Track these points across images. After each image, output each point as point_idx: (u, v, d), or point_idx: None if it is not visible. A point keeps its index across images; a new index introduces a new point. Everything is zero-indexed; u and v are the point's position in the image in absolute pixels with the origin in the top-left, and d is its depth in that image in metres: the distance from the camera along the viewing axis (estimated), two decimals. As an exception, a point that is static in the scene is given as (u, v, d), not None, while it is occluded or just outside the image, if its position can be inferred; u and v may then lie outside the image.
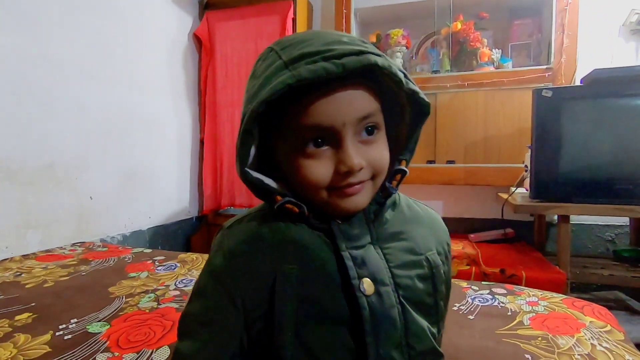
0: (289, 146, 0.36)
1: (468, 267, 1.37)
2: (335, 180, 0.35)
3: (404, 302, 0.38)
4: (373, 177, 0.37)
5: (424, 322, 0.39)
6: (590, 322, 0.72)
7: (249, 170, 0.37)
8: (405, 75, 0.36)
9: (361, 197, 0.37)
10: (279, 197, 0.37)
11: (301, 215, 0.38)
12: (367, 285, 0.36)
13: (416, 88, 0.37)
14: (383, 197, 0.40)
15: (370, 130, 0.36)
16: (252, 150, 0.37)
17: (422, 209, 0.46)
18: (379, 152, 0.37)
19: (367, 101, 0.35)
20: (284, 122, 0.35)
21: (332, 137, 0.35)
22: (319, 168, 0.35)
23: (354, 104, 0.34)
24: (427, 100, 0.38)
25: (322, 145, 0.35)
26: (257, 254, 0.38)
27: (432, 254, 0.42)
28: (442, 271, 0.42)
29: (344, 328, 0.36)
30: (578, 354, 0.60)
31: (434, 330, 0.41)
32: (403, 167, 0.40)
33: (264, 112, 0.33)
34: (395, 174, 0.40)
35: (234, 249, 0.39)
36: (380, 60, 0.33)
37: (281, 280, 0.36)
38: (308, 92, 0.33)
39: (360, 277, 0.36)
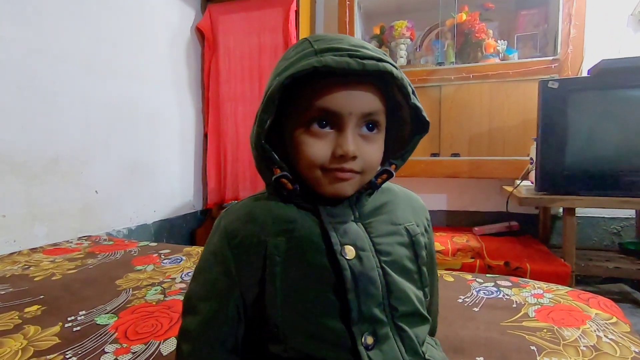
0: (296, 121, 0.39)
1: (472, 259, 1.37)
2: (329, 162, 0.39)
3: (385, 266, 0.41)
4: (362, 172, 0.41)
5: (406, 285, 0.43)
6: (596, 314, 0.72)
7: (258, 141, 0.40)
8: (413, 92, 0.40)
9: (347, 186, 0.40)
10: (277, 170, 0.41)
11: (292, 194, 0.42)
12: (347, 250, 0.40)
13: (419, 105, 0.41)
14: (365, 188, 0.44)
15: (371, 127, 0.40)
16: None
17: (400, 190, 0.50)
18: (374, 150, 0.41)
19: (373, 100, 0.39)
20: (297, 102, 0.39)
21: (336, 122, 0.39)
22: (319, 146, 0.39)
23: (362, 99, 0.38)
24: (427, 119, 0.42)
25: (326, 127, 0.39)
26: (250, 230, 0.41)
27: (411, 225, 0.46)
28: (421, 239, 0.46)
29: (329, 289, 0.39)
30: (584, 346, 0.60)
31: (419, 293, 0.44)
32: (391, 169, 0.44)
33: (287, 86, 0.37)
34: (382, 173, 0.44)
35: (229, 226, 0.43)
36: (395, 71, 0.38)
37: (271, 249, 0.40)
38: (327, 79, 0.37)
39: (342, 244, 0.40)
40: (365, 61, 0.36)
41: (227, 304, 0.41)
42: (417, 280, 0.45)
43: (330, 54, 0.36)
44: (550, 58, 1.57)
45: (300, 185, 0.41)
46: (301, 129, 0.39)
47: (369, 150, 0.40)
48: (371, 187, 0.44)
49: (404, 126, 0.44)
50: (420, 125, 0.43)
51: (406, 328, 0.41)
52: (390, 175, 0.44)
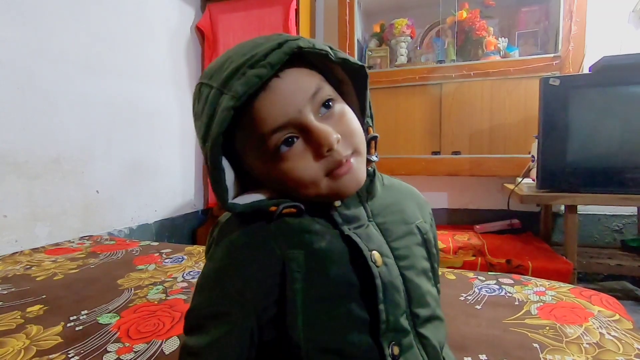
0: (261, 157, 0.36)
1: (474, 257, 1.37)
2: (325, 167, 0.35)
3: (404, 271, 0.40)
4: (355, 152, 0.37)
5: (424, 287, 0.41)
6: (599, 311, 0.71)
7: (234, 202, 0.37)
8: (331, 48, 0.37)
9: (356, 174, 0.37)
10: (273, 208, 0.37)
11: (299, 212, 0.38)
12: (377, 256, 0.37)
13: (345, 56, 0.37)
14: (369, 167, 0.41)
15: (328, 104, 0.36)
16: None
17: (402, 185, 0.49)
18: (347, 121, 0.37)
19: (307, 80, 0.35)
20: (245, 136, 0.36)
21: (296, 129, 0.35)
22: (304, 164, 0.35)
23: (297, 88, 0.34)
24: (359, 63, 0.39)
25: (293, 141, 0.35)
26: (261, 243, 0.37)
27: (420, 222, 0.45)
28: (431, 236, 0.45)
29: (354, 302, 0.36)
30: (586, 343, 0.60)
31: (434, 291, 0.44)
32: (372, 133, 0.42)
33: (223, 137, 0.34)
34: (369, 143, 0.41)
35: (235, 241, 0.38)
36: (301, 42, 0.34)
37: (289, 264, 0.36)
38: (251, 100, 0.33)
39: (370, 250, 0.37)
40: (268, 59, 0.32)
41: (238, 327, 0.37)
42: (431, 278, 0.44)
43: (234, 81, 0.33)
44: (552, 55, 1.57)
45: (303, 200, 0.37)
46: (273, 162, 0.35)
47: (343, 125, 0.36)
48: (370, 161, 0.41)
49: (346, 87, 0.41)
50: (357, 76, 0.40)
51: (427, 335, 0.39)
52: (376, 139, 0.42)
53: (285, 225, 0.38)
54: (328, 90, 0.37)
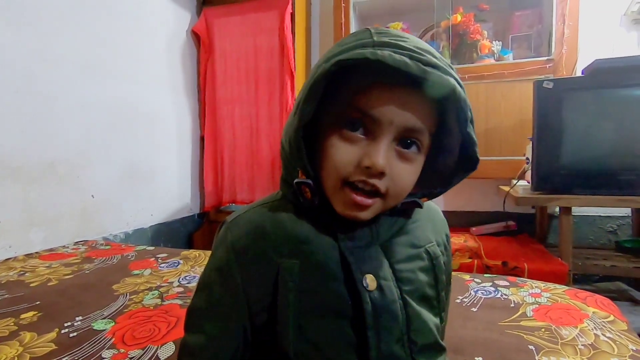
0: (330, 120, 0.35)
1: (470, 260, 1.37)
2: (353, 172, 0.34)
3: (406, 296, 0.38)
4: (386, 196, 0.35)
5: (427, 315, 0.40)
6: (593, 312, 0.72)
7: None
8: (471, 120, 0.35)
9: (365, 214, 0.36)
10: (302, 175, 0.36)
11: (309, 205, 0.37)
12: (369, 280, 0.36)
13: (475, 137, 0.36)
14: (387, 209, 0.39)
15: (409, 144, 0.35)
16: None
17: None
18: (407, 172, 0.35)
19: (421, 117, 0.34)
20: (337, 97, 0.34)
21: (371, 129, 0.34)
22: (347, 153, 0.34)
23: (409, 110, 0.33)
24: (478, 156, 0.37)
25: (357, 130, 0.34)
26: (260, 248, 0.38)
27: (432, 245, 0.42)
28: (442, 262, 0.43)
29: (346, 322, 0.36)
30: (582, 345, 0.60)
31: (437, 320, 0.42)
32: (420, 201, 0.40)
33: (332, 75, 0.33)
34: (410, 202, 0.39)
35: (237, 242, 0.39)
36: (458, 89, 0.33)
37: (283, 273, 0.36)
38: (377, 82, 0.33)
39: (363, 273, 0.36)
40: (427, 68, 0.31)
41: (233, 326, 0.38)
42: (436, 307, 0.42)
43: (389, 49, 0.31)
44: (545, 58, 1.58)
45: (320, 199, 0.37)
46: (333, 129, 0.35)
47: (401, 170, 0.35)
48: (390, 210, 0.39)
49: (446, 157, 0.39)
50: (465, 160, 0.37)
51: None
52: (417, 206, 0.40)
53: (285, 233, 0.38)
54: (423, 140, 0.35)
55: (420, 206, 0.40)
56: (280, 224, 0.38)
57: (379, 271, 0.37)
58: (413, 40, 0.34)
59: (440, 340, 0.41)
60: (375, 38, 0.33)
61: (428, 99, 0.34)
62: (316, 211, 0.38)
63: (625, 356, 0.57)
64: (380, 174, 0.33)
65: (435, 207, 0.47)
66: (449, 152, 0.38)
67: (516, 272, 1.27)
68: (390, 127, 0.33)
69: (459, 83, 0.33)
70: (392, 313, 0.37)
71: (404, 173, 0.35)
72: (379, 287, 0.36)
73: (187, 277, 0.95)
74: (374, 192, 0.34)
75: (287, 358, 0.36)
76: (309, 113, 0.34)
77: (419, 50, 0.32)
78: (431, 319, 0.40)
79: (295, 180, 0.36)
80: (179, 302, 0.80)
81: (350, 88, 0.34)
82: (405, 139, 0.34)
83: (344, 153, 0.34)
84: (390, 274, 0.38)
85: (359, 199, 0.34)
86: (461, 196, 1.93)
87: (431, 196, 0.41)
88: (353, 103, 0.33)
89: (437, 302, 0.42)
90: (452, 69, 0.34)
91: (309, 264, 0.37)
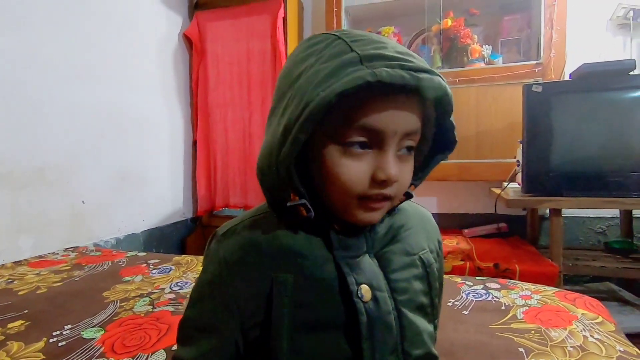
0: (330, 138, 0.34)
1: (462, 262, 1.38)
2: (368, 188, 0.34)
3: (401, 307, 0.38)
4: (393, 197, 0.36)
5: (421, 325, 0.40)
6: (582, 314, 0.73)
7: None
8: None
9: (378, 214, 0.36)
10: (295, 197, 0.35)
11: (302, 220, 0.37)
12: (364, 291, 0.36)
13: (454, 123, 0.37)
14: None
15: (409, 148, 0.36)
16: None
17: (412, 208, 0.46)
18: (408, 172, 0.37)
19: (417, 119, 0.35)
20: (334, 115, 0.32)
21: (377, 141, 0.33)
22: (357, 170, 0.33)
23: (408, 117, 0.34)
24: (456, 138, 0.38)
25: (366, 147, 0.34)
26: (253, 262, 0.37)
27: (425, 252, 0.42)
28: (435, 269, 0.43)
29: (340, 334, 0.36)
30: (570, 346, 0.61)
31: (431, 328, 0.42)
32: (411, 190, 0.41)
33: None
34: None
35: (230, 257, 0.38)
36: (449, 90, 0.34)
37: (277, 287, 0.36)
38: (370, 92, 0.32)
39: (358, 284, 0.36)
40: (420, 74, 0.31)
41: (225, 340, 0.38)
42: (430, 314, 0.42)
43: (380, 63, 0.31)
44: (534, 62, 1.60)
45: (315, 208, 0.36)
46: (336, 148, 0.33)
47: (403, 173, 0.36)
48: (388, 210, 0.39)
49: (423, 144, 0.39)
50: (442, 144, 0.39)
51: None
52: (409, 197, 0.41)
53: (279, 246, 0.37)
54: (416, 139, 0.36)
55: (412, 195, 0.41)
56: (273, 237, 0.38)
57: (374, 282, 0.37)
58: (390, 44, 0.33)
59: (434, 349, 0.41)
60: (358, 51, 0.32)
61: (418, 99, 0.34)
62: (310, 222, 0.37)
63: (613, 357, 0.58)
64: (393, 183, 0.34)
65: (427, 213, 0.47)
66: (426, 140, 0.39)
67: (508, 274, 1.28)
68: (395, 136, 0.34)
69: (442, 78, 0.34)
70: (387, 324, 0.37)
71: (406, 174, 0.36)
72: (374, 298, 0.36)
73: (179, 283, 0.94)
74: (385, 197, 0.35)
75: None
76: (301, 141, 0.32)
77: (403, 57, 0.32)
78: (425, 328, 0.41)
79: (289, 204, 0.35)
80: (170, 308, 0.79)
81: (349, 106, 0.32)
82: (403, 142, 0.35)
83: (354, 172, 0.33)
84: (385, 285, 0.38)
85: (374, 206, 0.35)
86: (454, 198, 1.94)
87: (416, 183, 0.42)
88: (354, 119, 0.32)
89: (431, 309, 0.42)
90: (430, 67, 0.34)
91: (304, 277, 0.36)
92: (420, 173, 0.41)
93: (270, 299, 0.36)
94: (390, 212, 0.41)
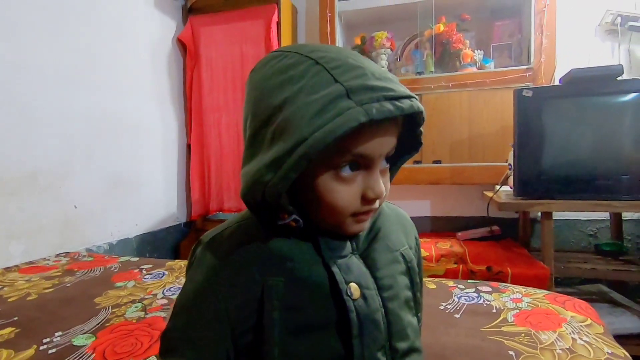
0: (322, 168, 0.35)
1: (456, 265, 1.39)
2: (360, 206, 0.36)
3: (387, 303, 0.40)
4: (378, 209, 0.39)
5: (406, 320, 0.41)
6: (572, 316, 0.74)
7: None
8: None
9: (367, 224, 0.39)
10: (285, 215, 0.36)
11: (290, 228, 0.37)
12: (353, 289, 0.37)
13: (422, 130, 0.40)
14: None
15: (387, 160, 0.38)
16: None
17: (389, 208, 0.48)
18: (388, 183, 0.39)
19: (395, 137, 0.37)
20: (326, 148, 0.33)
21: (365, 164, 0.36)
22: (349, 193, 0.35)
23: (391, 139, 0.36)
24: (422, 141, 0.41)
25: (355, 169, 0.36)
26: (242, 267, 0.37)
27: (405, 249, 0.45)
28: (415, 264, 0.45)
29: (331, 334, 0.37)
30: (559, 349, 0.62)
31: (415, 322, 0.44)
32: None
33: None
34: None
35: (217, 263, 0.38)
36: (422, 108, 0.36)
37: (268, 291, 0.36)
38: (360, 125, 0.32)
39: (347, 282, 0.37)
40: (402, 103, 0.33)
41: (213, 351, 0.37)
42: (413, 308, 0.44)
43: (366, 97, 0.32)
44: (525, 67, 1.63)
45: (303, 219, 0.37)
46: (328, 174, 0.35)
47: (386, 184, 0.38)
48: None
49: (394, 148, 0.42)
50: (409, 146, 0.42)
51: None
52: None
53: (268, 251, 0.38)
54: (393, 150, 0.38)
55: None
56: (261, 242, 0.38)
57: (362, 280, 0.38)
58: (369, 69, 0.34)
59: (418, 343, 0.43)
60: (343, 83, 0.32)
61: (399, 121, 0.37)
62: (297, 229, 0.38)
63: (601, 359, 0.59)
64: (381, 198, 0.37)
65: (404, 212, 0.50)
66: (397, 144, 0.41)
67: (500, 276, 1.29)
68: (380, 158, 0.36)
69: (416, 98, 0.35)
70: (376, 322, 0.38)
71: (387, 185, 0.38)
72: (363, 296, 0.37)
73: (172, 289, 0.94)
74: (374, 210, 0.38)
75: None
76: (293, 178, 0.33)
77: (385, 86, 0.33)
78: (410, 322, 0.42)
79: (280, 223, 0.36)
80: (162, 314, 0.79)
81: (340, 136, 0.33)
82: (384, 157, 0.37)
83: (347, 195, 0.35)
84: (372, 283, 0.39)
85: (364, 217, 0.38)
86: (447, 202, 1.95)
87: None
88: (346, 149, 0.34)
89: (414, 303, 0.44)
90: (400, 83, 0.36)
91: (294, 280, 0.37)
92: (391, 174, 0.43)
93: (261, 304, 0.36)
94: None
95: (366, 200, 0.36)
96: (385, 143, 0.36)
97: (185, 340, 0.38)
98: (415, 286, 0.44)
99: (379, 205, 0.38)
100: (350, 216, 0.36)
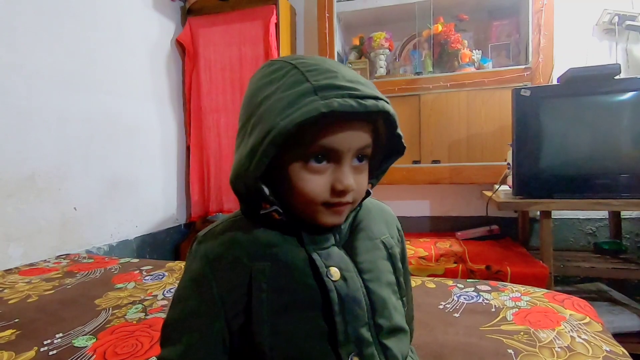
0: (292, 156, 0.38)
1: (455, 264, 1.39)
2: (329, 197, 0.39)
3: (368, 284, 0.42)
4: (353, 202, 0.41)
5: (390, 301, 0.44)
6: (570, 315, 0.74)
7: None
8: (397, 123, 0.42)
9: (342, 217, 0.42)
10: (267, 205, 0.40)
11: (277, 222, 0.41)
12: (333, 271, 0.40)
13: (401, 134, 0.43)
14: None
15: (361, 158, 0.41)
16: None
17: (372, 203, 0.51)
18: (363, 179, 0.42)
19: (367, 135, 0.40)
20: (295, 139, 0.37)
21: (334, 157, 0.39)
22: (318, 182, 0.39)
23: (359, 135, 0.39)
24: (405, 145, 0.44)
25: (323, 161, 0.39)
26: (233, 256, 0.41)
27: (386, 237, 0.48)
28: (396, 251, 0.48)
29: (316, 313, 0.40)
30: (558, 347, 0.62)
31: (400, 306, 0.46)
32: (369, 189, 0.46)
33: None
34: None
35: (211, 253, 0.42)
36: (390, 109, 0.39)
37: (256, 275, 0.39)
38: (326, 117, 0.36)
39: (327, 266, 0.40)
40: (366, 102, 0.36)
41: (209, 335, 0.40)
42: (397, 292, 0.46)
43: (332, 93, 0.35)
44: (523, 67, 1.63)
45: (285, 213, 0.41)
46: (298, 164, 0.38)
47: (360, 180, 0.41)
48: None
49: (379, 149, 0.45)
50: (394, 148, 0.44)
51: (390, 346, 0.42)
52: (368, 194, 0.46)
53: (255, 240, 0.41)
54: (369, 151, 0.42)
55: (370, 193, 0.46)
56: (250, 234, 0.42)
57: (342, 264, 0.41)
58: (341, 73, 0.38)
59: (403, 323, 0.45)
60: (312, 82, 0.36)
61: (367, 120, 0.40)
62: (282, 224, 0.41)
63: (599, 357, 0.59)
64: (351, 191, 0.39)
65: (386, 206, 0.53)
66: (380, 148, 0.45)
67: (499, 275, 1.29)
68: (349, 152, 0.39)
69: (386, 101, 0.38)
70: (357, 300, 0.40)
71: (362, 182, 0.42)
72: (343, 278, 0.40)
73: (172, 290, 0.94)
74: (346, 203, 0.41)
75: (264, 356, 0.39)
76: (265, 163, 0.37)
77: (353, 86, 0.36)
78: (393, 304, 0.44)
79: (262, 212, 0.40)
80: (163, 315, 0.79)
81: (307, 129, 0.37)
82: (358, 155, 0.40)
83: (316, 185, 0.39)
84: (352, 266, 0.42)
85: (337, 209, 0.40)
86: (446, 201, 1.96)
87: (373, 182, 0.47)
88: (314, 140, 0.37)
89: (398, 287, 0.47)
90: (378, 91, 0.39)
91: (279, 264, 0.40)
92: (376, 171, 0.46)
93: (250, 287, 0.39)
94: (353, 210, 0.46)
95: (335, 192, 0.39)
96: (353, 139, 0.38)
97: (181, 327, 0.41)
98: (397, 271, 0.47)
99: (354, 201, 0.41)
100: (321, 205, 0.39)
